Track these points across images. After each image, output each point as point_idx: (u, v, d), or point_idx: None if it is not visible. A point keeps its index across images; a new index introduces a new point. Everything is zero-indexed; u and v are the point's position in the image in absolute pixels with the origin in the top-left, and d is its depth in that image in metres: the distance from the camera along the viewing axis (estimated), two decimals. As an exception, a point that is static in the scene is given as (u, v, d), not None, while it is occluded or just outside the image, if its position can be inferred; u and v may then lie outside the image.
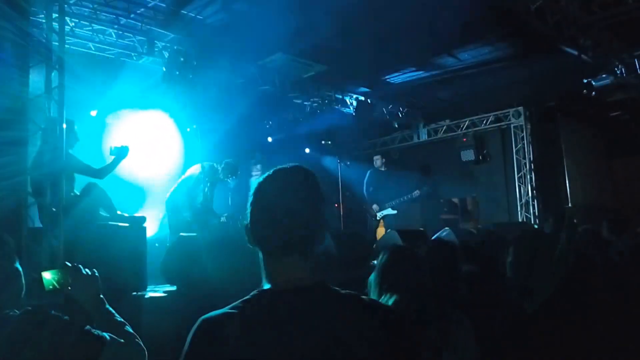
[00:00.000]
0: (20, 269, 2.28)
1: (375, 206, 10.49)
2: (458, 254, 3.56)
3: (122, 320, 2.29)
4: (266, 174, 1.57)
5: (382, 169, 10.76)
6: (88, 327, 2.09)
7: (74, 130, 5.90)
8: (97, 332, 2.11)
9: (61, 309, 2.11)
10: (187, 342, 1.41)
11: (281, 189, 1.53)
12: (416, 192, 10.31)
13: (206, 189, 7.30)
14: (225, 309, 1.45)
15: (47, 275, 2.23)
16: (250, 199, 1.55)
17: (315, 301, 1.45)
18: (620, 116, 11.67)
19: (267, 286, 1.49)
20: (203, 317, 1.44)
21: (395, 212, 10.35)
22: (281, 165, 1.59)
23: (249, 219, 1.54)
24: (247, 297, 1.47)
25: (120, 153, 5.89)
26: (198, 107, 9.18)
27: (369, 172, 10.76)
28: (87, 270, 2.31)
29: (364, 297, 1.53)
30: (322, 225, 1.55)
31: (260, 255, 1.53)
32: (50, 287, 2.22)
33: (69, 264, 2.28)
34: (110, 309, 2.30)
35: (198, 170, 7.31)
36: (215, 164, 7.32)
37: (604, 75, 8.93)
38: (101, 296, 2.32)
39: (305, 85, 10.44)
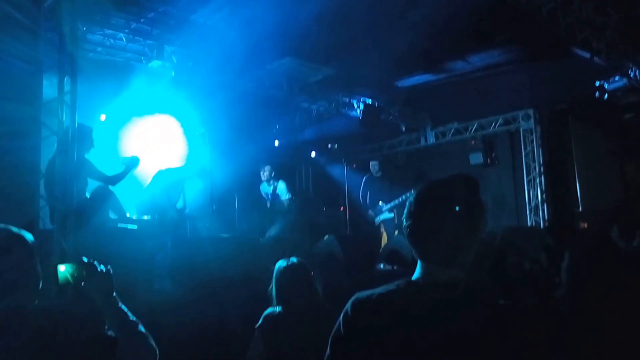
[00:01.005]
0: (39, 271, 2.27)
1: (370, 212, 10.55)
2: None
3: (135, 319, 2.32)
4: (432, 185, 1.77)
5: (378, 175, 10.84)
6: (102, 326, 2.17)
7: (91, 136, 6.16)
8: (110, 332, 2.19)
9: (73, 307, 2.20)
10: (342, 317, 1.63)
11: (446, 206, 1.67)
12: (412, 192, 10.34)
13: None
14: (375, 290, 1.67)
15: (61, 269, 2.23)
16: (416, 208, 1.71)
17: (456, 296, 1.60)
18: (634, 119, 11.66)
19: (415, 276, 1.70)
20: (356, 295, 1.66)
21: (392, 215, 10.41)
22: (445, 177, 1.76)
23: (410, 230, 1.71)
24: (396, 281, 1.68)
25: (131, 163, 6.16)
26: (206, 111, 9.35)
27: (364, 178, 10.84)
28: (102, 267, 2.32)
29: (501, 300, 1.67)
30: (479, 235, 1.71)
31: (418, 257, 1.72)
32: (64, 280, 2.22)
33: (85, 259, 2.31)
34: (124, 307, 2.32)
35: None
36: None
37: (617, 78, 8.96)
38: (114, 294, 2.33)
39: (312, 89, 10.58)
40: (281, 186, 9.97)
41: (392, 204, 10.38)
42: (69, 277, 2.23)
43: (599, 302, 2.86)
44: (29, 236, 2.26)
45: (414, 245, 1.71)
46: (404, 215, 1.75)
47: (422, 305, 1.59)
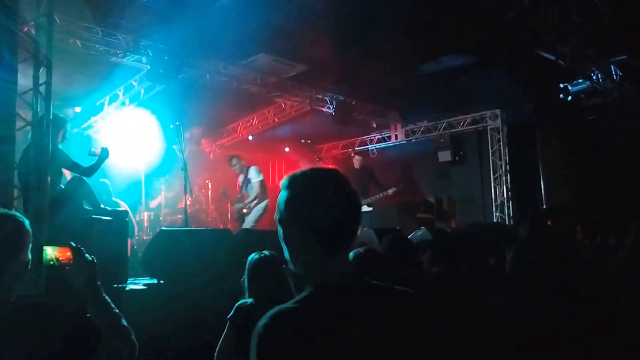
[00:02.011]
0: (29, 258, 2.23)
1: None
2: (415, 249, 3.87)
3: (118, 312, 2.30)
4: (304, 171, 1.67)
5: (359, 169, 11.01)
6: (86, 318, 2.17)
7: (65, 127, 6.14)
8: (94, 325, 2.17)
9: (55, 296, 2.20)
10: (256, 338, 1.45)
11: (335, 184, 1.63)
12: (392, 189, 10.52)
13: None
14: (290, 304, 1.53)
15: (48, 250, 2.22)
16: (298, 192, 1.62)
17: (364, 293, 1.57)
18: (597, 120, 11.85)
19: (313, 285, 1.58)
20: (270, 312, 1.49)
21: (370, 209, 10.54)
22: (302, 170, 1.69)
23: (300, 214, 1.60)
24: (305, 294, 1.56)
25: (102, 155, 6.15)
26: (181, 105, 9.34)
27: (344, 171, 10.96)
28: (88, 255, 2.34)
29: (401, 288, 1.65)
30: None
31: (304, 253, 1.62)
32: (50, 262, 2.22)
33: (73, 244, 2.31)
34: (107, 298, 2.31)
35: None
36: None
37: (580, 80, 9.14)
38: (98, 283, 2.32)
39: (286, 85, 10.63)
40: (252, 171, 10.05)
41: (373, 198, 10.55)
42: (54, 259, 2.25)
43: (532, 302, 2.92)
44: (26, 222, 2.23)
45: (312, 227, 1.59)
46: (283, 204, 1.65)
47: (334, 312, 1.50)
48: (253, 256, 3.83)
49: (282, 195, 1.65)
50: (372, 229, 7.03)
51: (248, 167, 10.16)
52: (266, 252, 3.83)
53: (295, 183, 1.64)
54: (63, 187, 6.05)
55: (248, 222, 9.66)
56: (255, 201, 9.83)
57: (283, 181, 1.67)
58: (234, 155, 10.24)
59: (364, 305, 1.54)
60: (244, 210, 9.83)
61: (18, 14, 5.43)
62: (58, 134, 5.99)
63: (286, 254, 1.67)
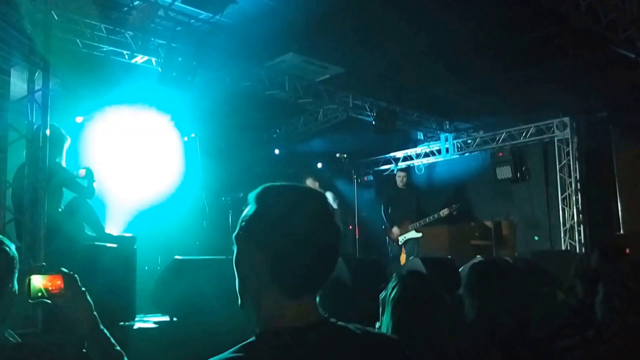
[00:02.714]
0: (16, 289, 2.22)
1: (395, 229, 10.57)
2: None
3: (120, 350, 2.24)
4: (285, 187, 1.58)
5: (404, 187, 10.91)
6: None
7: (64, 140, 6.17)
8: None
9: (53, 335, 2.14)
10: None
11: (319, 211, 1.55)
12: (444, 211, 10.40)
13: None
14: (228, 354, 1.44)
15: (36, 281, 2.10)
16: (269, 212, 1.52)
17: (326, 339, 1.48)
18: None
19: (263, 328, 1.51)
20: None
21: (419, 235, 10.45)
22: (284, 183, 1.60)
23: (263, 240, 1.50)
24: (250, 340, 1.48)
25: (88, 176, 6.16)
26: (197, 113, 9.34)
27: (387, 190, 10.90)
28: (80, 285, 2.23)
29: (371, 329, 1.60)
30: None
31: (256, 288, 1.52)
32: (39, 294, 2.10)
33: (65, 270, 2.20)
34: (107, 332, 2.23)
35: None
36: None
37: (665, 82, 9.00)
38: (94, 313, 2.24)
39: (319, 90, 10.59)
40: (329, 197, 10.04)
41: (423, 222, 10.46)
42: (43, 290, 2.12)
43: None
44: (11, 246, 2.23)
45: (277, 267, 1.50)
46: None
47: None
48: None
49: (249, 210, 1.54)
50: (420, 258, 6.95)
51: (324, 191, 10.21)
52: None
53: (268, 199, 1.54)
54: (62, 208, 6.03)
55: None
56: None
57: (254, 192, 1.56)
58: (311, 175, 10.27)
59: (324, 353, 1.45)
60: None
61: (10, 10, 5.47)
62: (58, 148, 5.98)
63: (236, 284, 1.58)
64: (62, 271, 2.20)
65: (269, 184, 1.57)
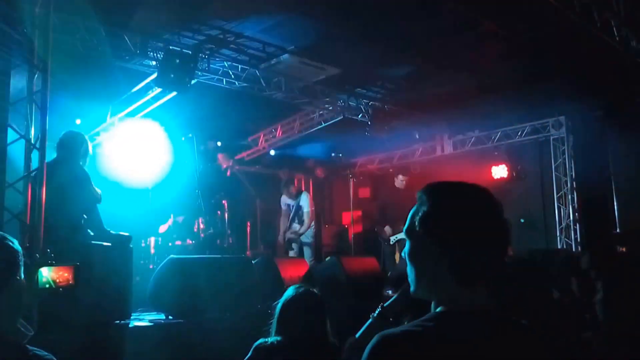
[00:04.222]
0: (22, 280, 2.27)
1: (387, 228, 10.62)
2: None
3: None
4: (451, 184, 1.74)
5: (404, 191, 10.96)
6: None
7: (87, 144, 6.37)
8: None
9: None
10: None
11: (488, 206, 1.67)
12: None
13: None
14: (405, 327, 1.58)
15: (44, 272, 2.26)
16: (442, 208, 1.65)
17: (493, 324, 1.60)
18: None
19: (440, 308, 1.63)
20: (382, 333, 1.55)
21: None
22: (451, 182, 1.75)
23: (439, 234, 1.62)
24: (426, 317, 1.61)
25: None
26: (195, 113, 9.42)
27: (384, 189, 10.97)
28: None
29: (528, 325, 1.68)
30: None
31: (433, 276, 1.65)
32: (46, 285, 2.25)
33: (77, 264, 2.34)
34: None
35: None
36: None
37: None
38: None
39: (315, 90, 10.68)
40: (304, 197, 10.70)
41: None
42: (50, 282, 2.24)
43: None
44: (14, 240, 2.25)
45: (455, 255, 1.62)
46: (417, 221, 1.67)
47: (473, 342, 1.54)
48: (290, 291, 3.82)
49: (423, 207, 1.67)
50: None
51: (301, 193, 10.88)
52: (305, 288, 3.83)
53: (442, 196, 1.68)
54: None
55: (307, 257, 10.37)
56: (306, 230, 10.58)
57: (424, 191, 1.70)
58: (292, 180, 10.74)
59: (494, 338, 1.56)
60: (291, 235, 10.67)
61: (10, 12, 5.53)
62: (83, 152, 6.23)
63: (410, 273, 1.71)
64: (75, 264, 2.30)
65: (437, 182, 1.74)
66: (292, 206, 10.82)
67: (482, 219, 1.62)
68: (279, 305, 3.77)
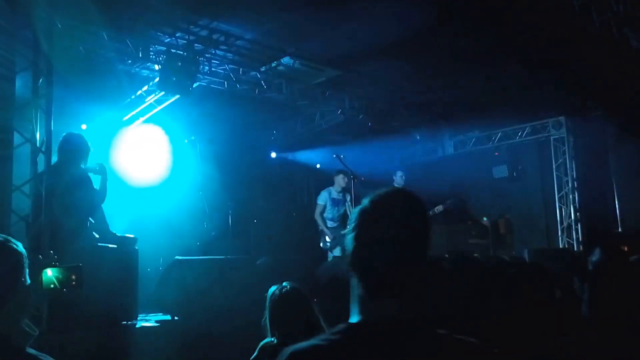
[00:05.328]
0: (28, 282, 2.29)
1: None
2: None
3: None
4: (377, 196, 1.62)
5: (401, 185, 10.98)
6: None
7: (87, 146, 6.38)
8: None
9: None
10: None
11: (401, 218, 1.58)
12: (439, 207, 10.46)
13: None
14: (313, 341, 1.52)
15: (49, 273, 2.30)
16: (360, 221, 1.59)
17: (411, 338, 1.52)
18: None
19: (355, 319, 1.57)
20: (290, 349, 1.52)
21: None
22: (385, 190, 1.65)
23: (354, 246, 1.58)
24: (335, 329, 1.55)
25: (101, 173, 6.30)
26: (196, 116, 9.46)
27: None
28: None
29: (465, 338, 1.58)
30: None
31: (355, 285, 1.58)
32: (51, 286, 2.30)
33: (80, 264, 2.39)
34: None
35: None
36: None
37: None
38: None
39: (315, 92, 10.75)
40: (349, 197, 10.18)
41: None
42: (55, 282, 2.32)
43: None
44: (18, 243, 2.28)
45: (357, 269, 1.58)
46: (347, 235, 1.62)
47: (380, 355, 1.48)
48: (272, 290, 3.84)
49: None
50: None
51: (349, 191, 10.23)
52: (287, 284, 3.85)
53: (360, 207, 1.63)
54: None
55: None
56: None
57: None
58: (346, 172, 10.20)
59: (403, 350, 1.49)
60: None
61: (16, 20, 5.60)
62: (83, 155, 6.20)
63: None
64: (79, 265, 2.39)
65: (376, 192, 1.65)
66: (337, 201, 10.32)
67: (388, 229, 1.55)
68: (267, 307, 3.79)
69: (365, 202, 1.61)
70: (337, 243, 9.90)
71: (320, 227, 10.18)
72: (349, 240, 1.60)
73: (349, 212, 10.05)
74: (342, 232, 9.80)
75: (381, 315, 1.53)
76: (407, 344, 1.50)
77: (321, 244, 10.17)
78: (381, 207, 1.59)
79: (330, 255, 9.85)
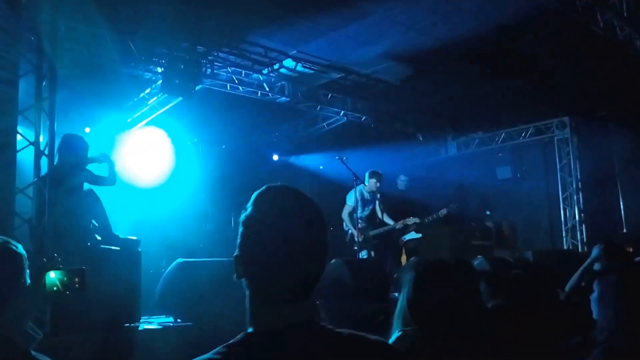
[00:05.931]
0: (28, 286, 2.32)
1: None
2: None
3: None
4: (259, 196, 1.52)
5: (404, 189, 10.98)
6: None
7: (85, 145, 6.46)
8: None
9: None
10: None
11: (289, 217, 1.48)
12: (442, 211, 10.47)
13: None
14: (208, 355, 1.44)
15: (51, 275, 2.31)
16: (246, 224, 1.50)
17: (307, 342, 1.44)
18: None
19: (250, 328, 1.49)
20: None
21: (419, 235, 10.51)
22: (273, 185, 1.55)
23: (241, 251, 1.50)
24: (232, 340, 1.46)
25: (104, 160, 6.36)
26: (199, 118, 9.49)
27: (387, 191, 10.94)
28: None
29: (365, 335, 1.52)
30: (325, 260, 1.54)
31: (248, 293, 1.50)
32: (54, 289, 2.32)
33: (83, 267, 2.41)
34: None
35: None
36: None
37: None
38: None
39: (318, 94, 10.78)
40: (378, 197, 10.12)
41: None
42: (58, 285, 2.34)
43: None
44: (18, 245, 2.32)
45: (249, 271, 1.50)
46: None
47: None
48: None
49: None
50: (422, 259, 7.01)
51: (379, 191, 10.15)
52: None
53: (253, 202, 1.52)
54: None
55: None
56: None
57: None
58: (378, 174, 10.16)
59: (299, 355, 1.43)
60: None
61: (19, 22, 5.63)
62: (82, 153, 6.31)
63: None
64: (81, 268, 2.42)
65: (259, 191, 1.54)
66: (368, 201, 10.12)
67: (276, 232, 1.45)
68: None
69: (249, 205, 1.51)
70: (365, 244, 9.83)
71: (346, 228, 10.06)
72: (237, 246, 1.51)
73: (378, 213, 10.08)
74: (371, 232, 9.98)
75: (275, 322, 1.45)
76: (303, 349, 1.43)
77: (347, 243, 10.03)
78: (265, 211, 1.49)
79: (360, 255, 9.72)
